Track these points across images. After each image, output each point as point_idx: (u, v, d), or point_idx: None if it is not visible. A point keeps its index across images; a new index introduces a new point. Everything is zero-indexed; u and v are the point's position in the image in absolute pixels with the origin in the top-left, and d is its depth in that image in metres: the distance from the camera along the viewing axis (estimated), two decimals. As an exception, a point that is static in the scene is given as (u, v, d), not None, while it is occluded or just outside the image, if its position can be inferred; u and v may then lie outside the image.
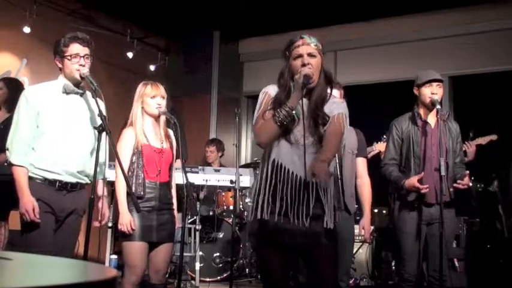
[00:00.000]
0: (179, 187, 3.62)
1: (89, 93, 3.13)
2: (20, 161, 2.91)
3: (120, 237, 3.27)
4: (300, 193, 2.54)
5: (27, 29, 5.73)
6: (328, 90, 2.67)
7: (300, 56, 2.61)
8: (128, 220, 3.15)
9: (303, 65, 2.58)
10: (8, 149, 2.94)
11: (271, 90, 2.72)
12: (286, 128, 2.57)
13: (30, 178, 2.93)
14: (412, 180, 3.51)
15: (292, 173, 2.56)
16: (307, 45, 2.63)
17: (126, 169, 3.17)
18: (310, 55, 2.61)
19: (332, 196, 2.62)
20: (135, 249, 3.17)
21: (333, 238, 2.61)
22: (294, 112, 2.53)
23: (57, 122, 3.00)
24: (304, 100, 2.61)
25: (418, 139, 3.62)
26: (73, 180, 3.03)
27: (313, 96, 2.62)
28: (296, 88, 2.56)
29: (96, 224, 3.13)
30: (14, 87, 4.61)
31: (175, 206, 3.35)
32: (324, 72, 2.65)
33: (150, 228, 3.22)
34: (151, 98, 3.29)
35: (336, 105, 2.67)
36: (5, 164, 3.00)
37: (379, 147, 4.67)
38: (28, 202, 2.87)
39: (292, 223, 2.52)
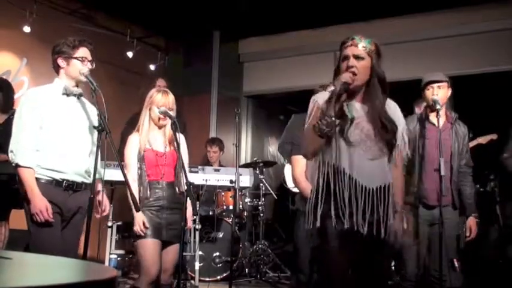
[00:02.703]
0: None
1: (84, 99, 3.17)
2: (27, 163, 2.91)
3: (133, 237, 3.32)
4: (361, 199, 2.51)
5: (27, 29, 5.72)
6: (381, 93, 2.60)
7: (347, 57, 2.56)
8: (140, 220, 3.21)
9: (348, 67, 2.52)
10: (12, 151, 2.93)
11: (320, 98, 2.60)
12: (342, 130, 2.53)
13: (36, 179, 2.93)
14: None
15: (353, 178, 2.52)
16: (355, 47, 2.55)
17: (134, 173, 3.28)
18: (356, 57, 2.54)
19: (390, 206, 2.57)
20: (149, 246, 3.23)
21: (384, 246, 2.57)
22: (334, 120, 2.44)
23: (60, 122, 3.02)
24: (357, 104, 2.60)
25: (424, 140, 3.63)
26: (79, 179, 3.06)
27: (371, 101, 2.58)
28: (333, 95, 2.50)
29: (97, 215, 3.16)
30: (7, 89, 4.61)
31: (189, 209, 3.33)
32: (377, 75, 2.58)
33: (160, 226, 3.29)
34: (158, 108, 3.36)
35: (397, 119, 2.65)
36: (13, 165, 2.97)
37: None
38: (40, 202, 2.87)
39: (352, 229, 2.48)
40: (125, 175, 3.03)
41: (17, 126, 2.97)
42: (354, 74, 2.51)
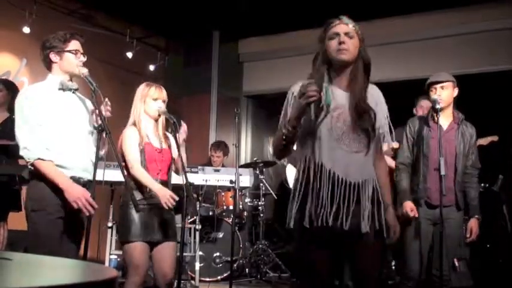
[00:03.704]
0: (179, 187, 3.61)
1: (79, 93, 3.14)
2: (46, 156, 2.84)
3: (120, 239, 3.26)
4: (342, 194, 2.39)
5: (26, 29, 5.72)
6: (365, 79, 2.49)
7: (337, 34, 2.45)
8: (167, 193, 3.12)
9: (340, 43, 2.42)
10: (26, 148, 2.84)
11: (298, 89, 2.46)
12: (317, 121, 2.39)
13: (44, 177, 2.86)
14: (408, 205, 3.55)
15: (334, 173, 2.39)
16: (345, 25, 2.48)
17: (139, 160, 3.21)
18: (347, 35, 2.45)
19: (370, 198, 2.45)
20: (137, 250, 3.15)
21: (379, 238, 2.45)
22: (292, 130, 2.36)
23: (61, 118, 2.97)
24: (340, 91, 2.46)
25: (428, 139, 3.63)
26: (86, 176, 2.99)
27: (353, 88, 2.45)
28: (296, 106, 2.37)
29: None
30: (12, 89, 4.62)
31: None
32: (362, 57, 2.48)
33: (152, 227, 3.20)
34: (153, 100, 3.31)
35: (380, 105, 2.52)
36: (29, 161, 2.86)
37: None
38: (78, 188, 2.81)
39: (333, 225, 2.37)
40: (124, 175, 3.00)
41: (23, 124, 2.90)
42: (346, 49, 2.43)
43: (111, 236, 5.08)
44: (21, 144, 2.88)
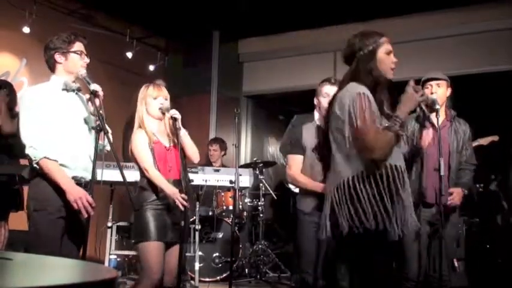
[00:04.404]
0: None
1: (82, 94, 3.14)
2: (52, 155, 2.85)
3: (135, 238, 3.25)
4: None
5: (26, 29, 5.72)
6: None
7: (391, 52, 2.67)
8: (176, 192, 3.14)
9: (393, 62, 2.66)
10: (32, 146, 2.85)
11: (366, 91, 2.57)
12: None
13: (46, 176, 2.87)
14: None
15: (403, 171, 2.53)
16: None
17: (152, 162, 3.23)
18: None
19: None
20: (153, 249, 3.14)
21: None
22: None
23: (64, 118, 2.98)
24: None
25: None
26: (86, 176, 3.00)
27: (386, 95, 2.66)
28: (410, 100, 2.59)
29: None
30: (10, 89, 4.61)
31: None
32: None
33: (165, 227, 3.20)
34: (153, 98, 3.31)
35: None
36: (35, 159, 2.86)
37: None
38: (80, 191, 2.83)
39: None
40: (124, 176, 2.99)
41: (28, 124, 2.91)
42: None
43: (111, 236, 5.09)
44: (27, 143, 2.88)
